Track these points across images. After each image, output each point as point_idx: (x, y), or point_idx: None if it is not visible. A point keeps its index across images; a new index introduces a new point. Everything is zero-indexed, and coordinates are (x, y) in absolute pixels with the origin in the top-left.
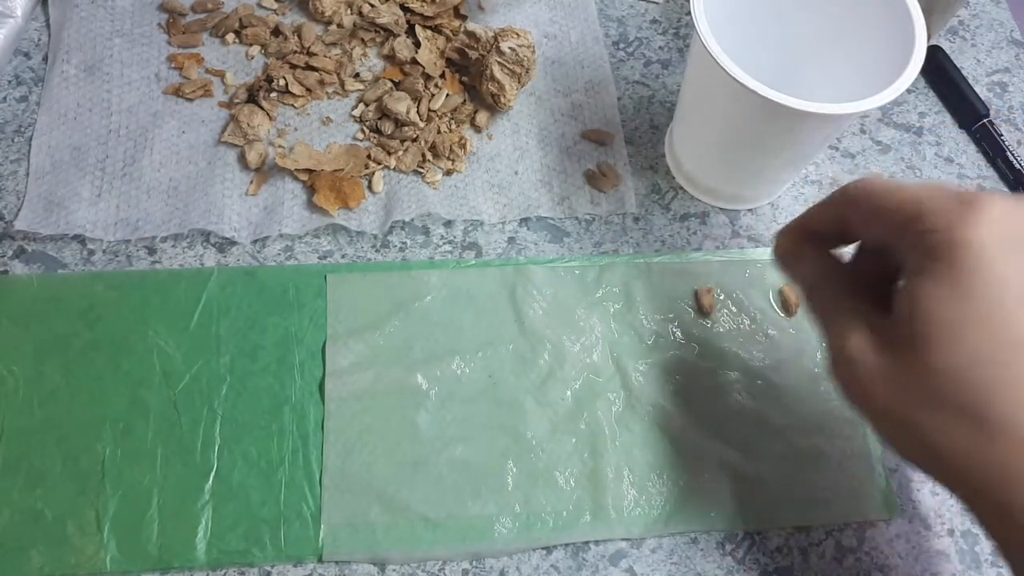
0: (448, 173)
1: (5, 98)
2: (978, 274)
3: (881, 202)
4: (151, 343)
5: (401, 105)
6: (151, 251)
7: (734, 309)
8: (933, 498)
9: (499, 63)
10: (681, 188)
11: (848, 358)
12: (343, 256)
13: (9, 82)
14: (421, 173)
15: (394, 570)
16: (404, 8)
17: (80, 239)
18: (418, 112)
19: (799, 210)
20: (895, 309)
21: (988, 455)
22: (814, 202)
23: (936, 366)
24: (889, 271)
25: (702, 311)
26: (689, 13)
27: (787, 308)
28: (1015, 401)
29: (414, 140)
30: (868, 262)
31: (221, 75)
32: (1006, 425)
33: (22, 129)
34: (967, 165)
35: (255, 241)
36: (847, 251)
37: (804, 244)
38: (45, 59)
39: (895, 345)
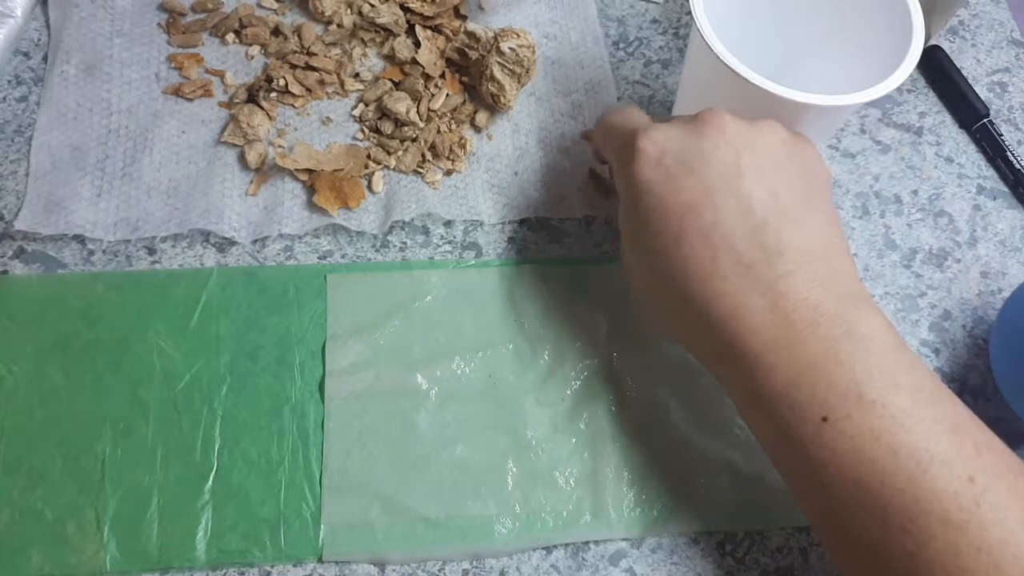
0: (448, 173)
1: (5, 98)
2: (639, 198)
3: (604, 140)
4: (151, 343)
5: (401, 105)
6: (151, 251)
7: None
8: None
9: (499, 63)
10: None
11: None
12: (343, 256)
13: (9, 82)
14: (421, 173)
15: (394, 570)
16: (404, 8)
17: (80, 239)
18: (418, 112)
19: None
20: None
21: (685, 327)
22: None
23: (636, 261)
24: None
25: None
26: (689, 13)
27: None
28: (682, 287)
29: (414, 140)
30: None
31: (221, 75)
32: (683, 305)
33: (22, 129)
34: (967, 165)
35: (255, 241)
36: None
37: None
38: (45, 59)
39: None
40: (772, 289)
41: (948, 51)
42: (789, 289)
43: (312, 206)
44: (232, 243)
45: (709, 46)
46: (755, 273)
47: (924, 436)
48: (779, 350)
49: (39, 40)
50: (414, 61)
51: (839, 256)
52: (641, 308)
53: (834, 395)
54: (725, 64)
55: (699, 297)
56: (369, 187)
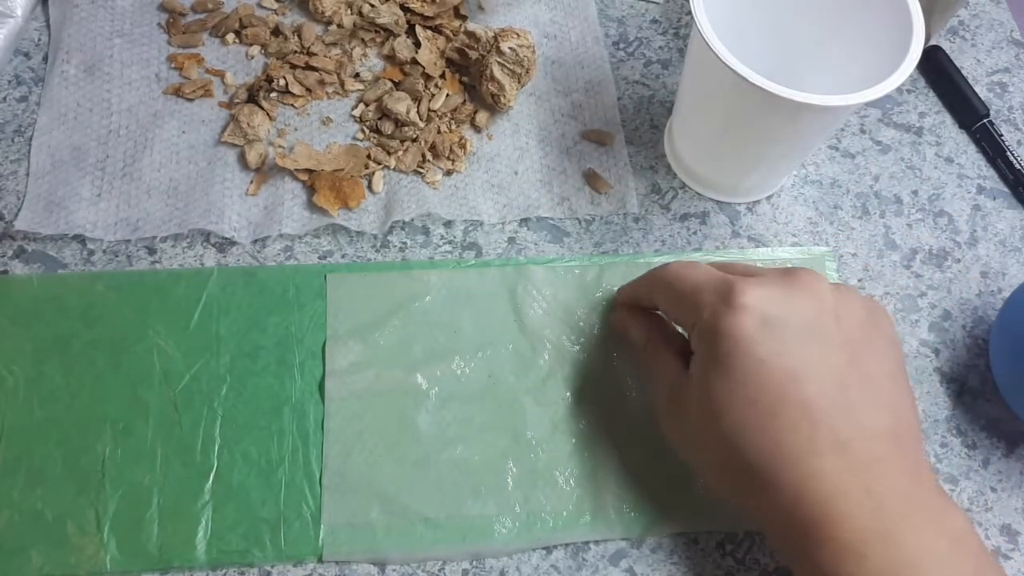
0: (448, 173)
1: (5, 98)
2: (734, 356)
3: (671, 291)
4: (151, 343)
5: (401, 105)
6: (151, 251)
7: None
8: None
9: (499, 63)
10: (681, 188)
11: (654, 401)
12: (343, 256)
13: (9, 82)
14: (421, 173)
15: (394, 570)
16: (404, 8)
17: (80, 239)
18: (418, 112)
19: (799, 210)
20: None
21: (759, 503)
22: (814, 202)
23: (712, 430)
24: None
25: None
26: (689, 13)
27: None
28: (773, 462)
29: (414, 140)
30: None
31: (221, 75)
32: (767, 481)
33: (22, 129)
34: (967, 165)
35: (255, 241)
36: None
37: (635, 312)
38: (45, 59)
39: (684, 403)
40: (867, 472)
41: (948, 51)
42: (882, 475)
43: (312, 206)
44: (232, 243)
45: (709, 46)
46: (851, 454)
47: None
48: (875, 541)
49: (39, 40)
50: (414, 61)
51: (918, 439)
52: (711, 481)
53: None
54: (725, 64)
55: (790, 473)
56: (369, 187)
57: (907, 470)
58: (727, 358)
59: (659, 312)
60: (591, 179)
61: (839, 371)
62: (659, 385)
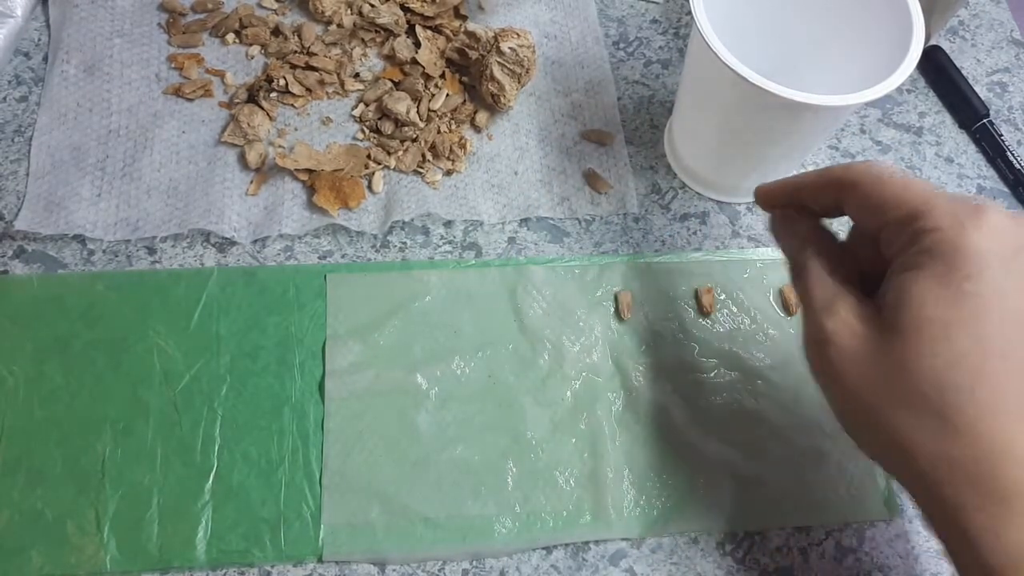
0: (448, 173)
1: (5, 98)
2: (976, 280)
3: (886, 191)
4: (151, 343)
5: (401, 105)
6: (151, 251)
7: (734, 309)
8: None
9: (499, 63)
10: (681, 188)
11: (827, 335)
12: (343, 256)
13: (9, 82)
14: (421, 173)
15: (394, 570)
16: (404, 8)
17: (80, 239)
18: (418, 112)
19: None
20: (883, 297)
21: (948, 455)
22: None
23: (917, 361)
24: (879, 257)
25: (702, 311)
26: (689, 13)
27: (787, 308)
28: (986, 409)
29: (414, 140)
30: (861, 245)
31: (221, 75)
32: (971, 429)
33: (22, 129)
34: (967, 165)
35: (255, 241)
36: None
37: (795, 214)
38: (45, 59)
39: (877, 333)
40: None
41: (948, 51)
42: None
43: (312, 206)
44: (232, 243)
45: (709, 46)
46: None
47: None
48: None
49: (39, 40)
50: (414, 61)
51: None
52: (857, 420)
53: None
54: (725, 64)
55: (1002, 425)
56: (369, 187)
57: None
58: (965, 281)
59: (822, 221)
60: (591, 179)
61: None
62: (819, 308)
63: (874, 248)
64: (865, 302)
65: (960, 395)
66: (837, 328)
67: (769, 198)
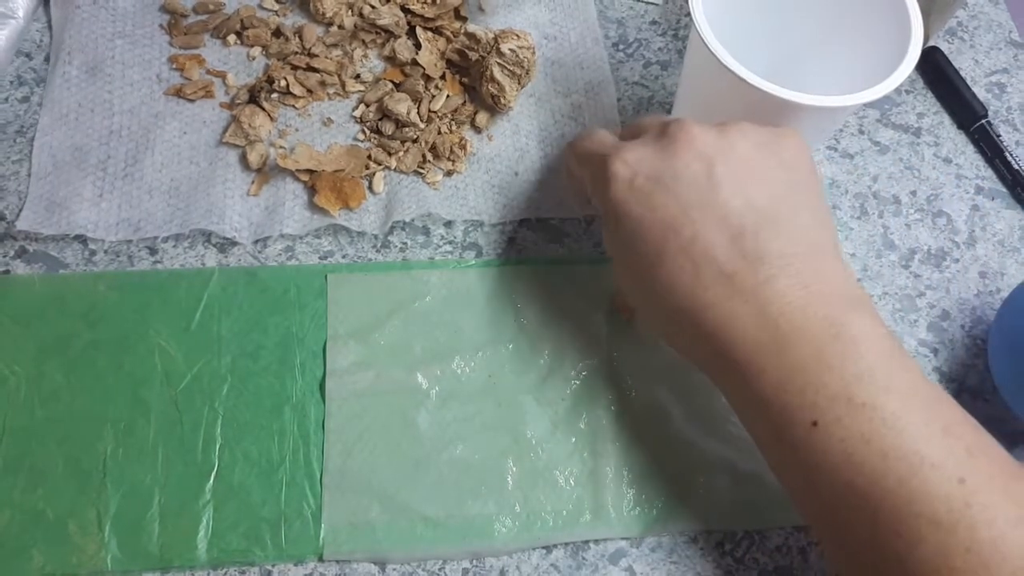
0: (448, 174)
1: (7, 99)
2: (618, 221)
3: (575, 164)
4: (152, 343)
5: (402, 106)
6: (152, 251)
7: None
8: None
9: (499, 64)
10: None
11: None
12: (344, 256)
13: (11, 83)
14: (422, 174)
15: (394, 569)
16: (405, 10)
17: (82, 239)
18: (418, 113)
19: None
20: None
21: (679, 336)
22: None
23: (626, 279)
24: None
25: None
26: (688, 14)
27: None
28: (671, 302)
29: (414, 141)
30: None
31: (222, 76)
32: (673, 317)
33: (24, 130)
34: (965, 166)
35: (256, 241)
36: None
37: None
38: (47, 60)
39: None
40: (757, 295)
41: (947, 52)
42: (774, 294)
43: (313, 206)
44: (233, 243)
45: (708, 47)
46: (738, 281)
47: (914, 438)
48: (768, 355)
49: (41, 41)
50: (415, 62)
51: (826, 255)
52: (641, 321)
53: (823, 399)
54: (724, 65)
55: (687, 310)
56: (370, 188)
57: (801, 284)
58: (614, 224)
59: None
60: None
61: (716, 209)
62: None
63: None
64: None
65: (655, 299)
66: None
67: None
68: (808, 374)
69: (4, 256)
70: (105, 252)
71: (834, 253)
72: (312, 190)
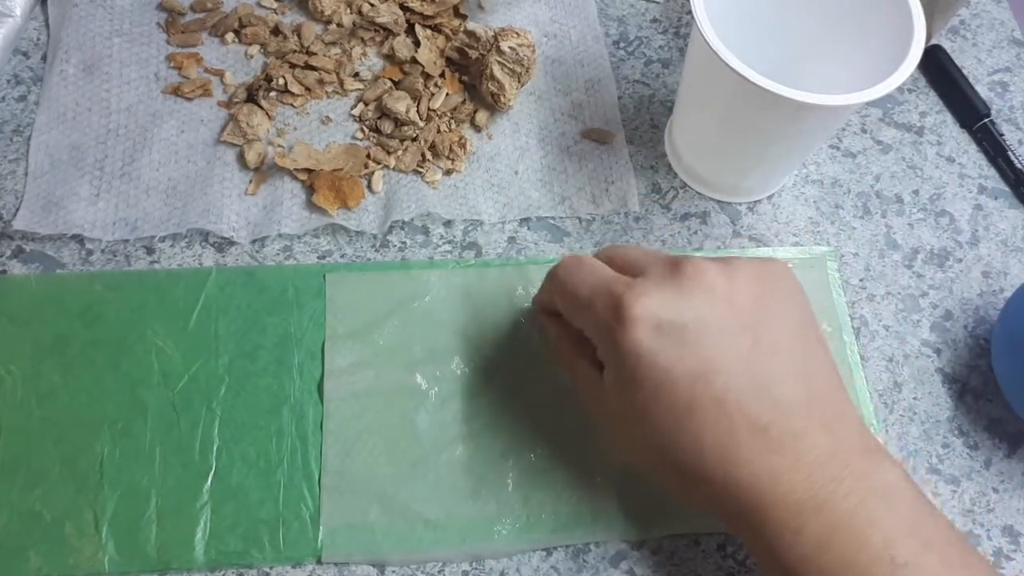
0: (448, 173)
1: (4, 97)
2: (640, 371)
3: (567, 300)
4: (150, 343)
5: (401, 104)
6: (150, 251)
7: None
8: (934, 499)
9: (499, 62)
10: (682, 187)
11: (582, 378)
12: (342, 256)
13: (8, 81)
14: (421, 173)
15: (393, 571)
16: (404, 7)
17: (78, 239)
18: (418, 111)
19: (800, 210)
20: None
21: (693, 494)
22: (815, 201)
23: (634, 436)
24: None
25: None
26: (690, 12)
27: None
28: (696, 458)
29: (414, 139)
30: None
31: (220, 74)
32: (693, 474)
33: (21, 129)
34: (968, 165)
35: (254, 241)
36: None
37: (549, 315)
38: (44, 58)
39: (607, 410)
40: (791, 449)
41: (949, 51)
42: (808, 447)
43: (311, 206)
44: (231, 243)
45: (710, 46)
46: (772, 435)
47: None
48: (806, 513)
49: (38, 40)
50: (414, 60)
51: (839, 392)
52: (654, 479)
53: (866, 557)
54: (726, 63)
55: (717, 466)
56: (369, 187)
57: (831, 433)
58: (633, 373)
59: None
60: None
61: (744, 357)
62: (581, 392)
63: None
64: (595, 375)
65: (670, 455)
66: (583, 373)
67: (540, 307)
68: (850, 532)
69: (1, 256)
70: (102, 252)
71: (843, 389)
72: (310, 189)
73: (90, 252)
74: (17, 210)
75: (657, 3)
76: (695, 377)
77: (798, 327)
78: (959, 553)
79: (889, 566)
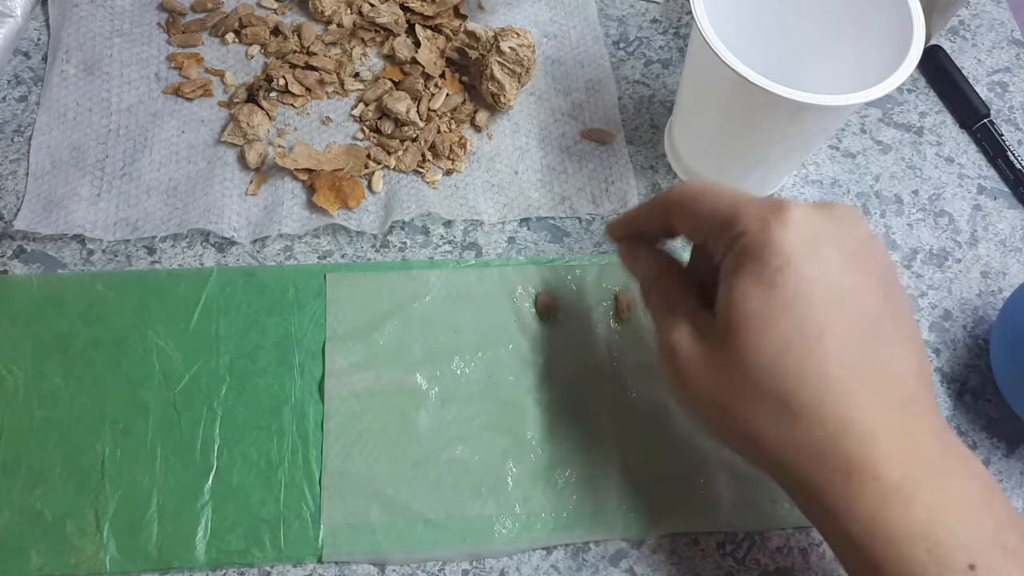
0: (448, 173)
1: (4, 98)
2: (785, 272)
3: (701, 206)
4: (151, 343)
5: (401, 105)
6: (150, 251)
7: None
8: None
9: (499, 63)
10: None
11: (671, 349)
12: (343, 256)
13: (9, 82)
14: (421, 173)
15: (394, 570)
16: (404, 8)
17: (79, 239)
18: (418, 112)
19: None
20: (717, 304)
21: (793, 439)
22: (815, 202)
23: (747, 356)
24: (714, 268)
25: None
26: (689, 12)
27: None
28: (816, 391)
29: (414, 140)
30: (699, 259)
31: (221, 75)
32: (807, 412)
33: (21, 129)
34: (967, 165)
35: (254, 241)
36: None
37: (638, 242)
38: (44, 59)
39: (713, 337)
40: (905, 411)
41: (948, 51)
42: (918, 413)
43: (312, 206)
44: (232, 243)
45: (710, 46)
46: (893, 389)
47: None
48: (918, 483)
49: (39, 40)
50: (414, 61)
51: (928, 366)
52: (716, 421)
53: (978, 540)
54: (726, 64)
55: (833, 404)
56: (369, 187)
57: (936, 412)
58: (776, 274)
59: (665, 247)
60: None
61: (878, 303)
62: (663, 327)
63: (709, 260)
64: (702, 312)
65: (789, 382)
66: (679, 340)
67: (615, 231)
68: (962, 513)
69: (2, 256)
70: (103, 252)
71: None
72: (311, 189)
73: (91, 252)
74: (19, 210)
75: (657, 3)
76: (836, 299)
77: (911, 311)
78: None
79: (1001, 553)
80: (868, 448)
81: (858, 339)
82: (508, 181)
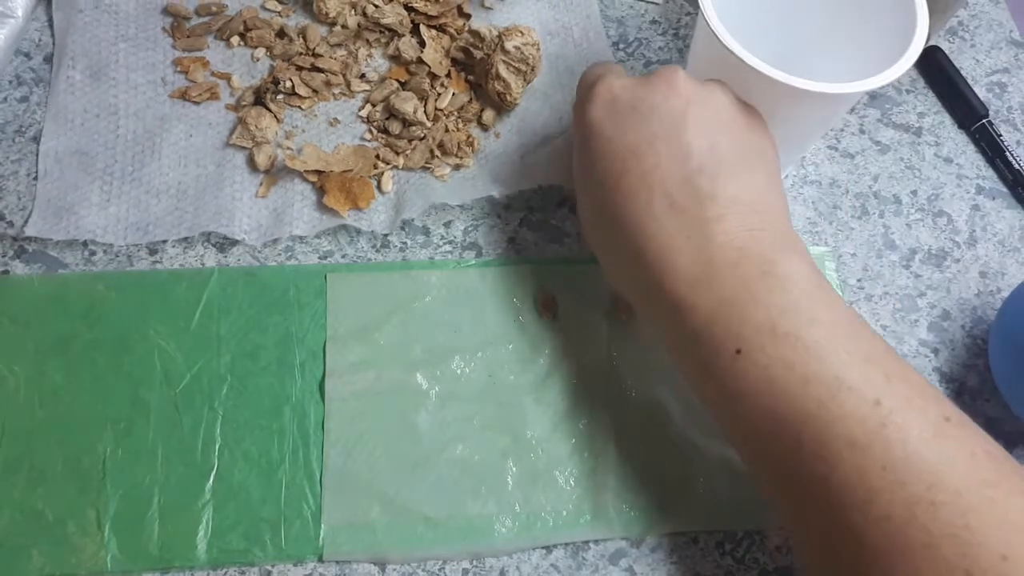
0: (456, 168)
1: (6, 98)
2: (588, 139)
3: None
4: (152, 343)
5: (408, 105)
6: (152, 251)
7: None
8: None
9: (504, 62)
10: None
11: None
12: (343, 256)
13: (10, 82)
14: (429, 168)
15: (394, 569)
16: (408, 8)
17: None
18: (425, 111)
19: (798, 210)
20: None
21: (619, 271)
22: (813, 202)
23: (583, 216)
24: None
25: None
26: (689, 13)
27: None
28: (618, 226)
29: (422, 139)
30: None
31: (227, 78)
32: (618, 246)
33: (23, 129)
34: (966, 165)
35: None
36: None
37: None
38: (46, 60)
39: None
40: (701, 232)
41: (947, 51)
42: (716, 232)
43: (322, 207)
44: (233, 243)
45: (712, 30)
46: (686, 217)
47: (835, 365)
48: (700, 289)
49: (40, 40)
50: (419, 61)
51: (774, 211)
52: (593, 250)
53: (749, 329)
54: (728, 49)
55: (633, 237)
56: (379, 187)
57: (745, 228)
58: (584, 141)
59: None
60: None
61: (681, 145)
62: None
63: None
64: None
65: (608, 235)
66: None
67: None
68: (735, 306)
69: (3, 256)
70: (104, 252)
71: (780, 210)
72: (321, 191)
73: (92, 252)
74: (29, 214)
75: (656, 4)
76: (629, 151)
77: (747, 147)
78: (847, 331)
79: (770, 336)
80: (659, 269)
81: (651, 180)
82: (515, 165)
